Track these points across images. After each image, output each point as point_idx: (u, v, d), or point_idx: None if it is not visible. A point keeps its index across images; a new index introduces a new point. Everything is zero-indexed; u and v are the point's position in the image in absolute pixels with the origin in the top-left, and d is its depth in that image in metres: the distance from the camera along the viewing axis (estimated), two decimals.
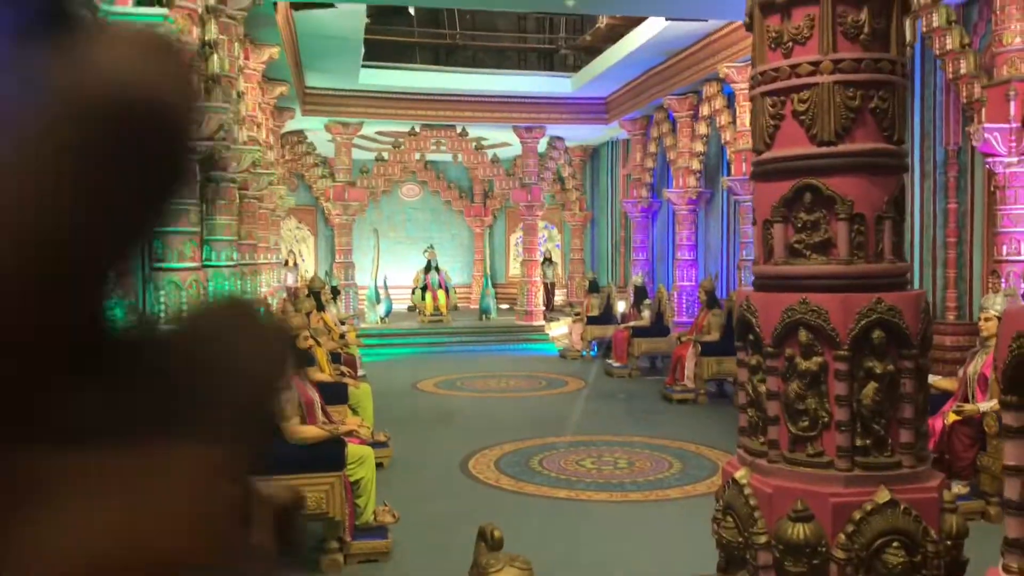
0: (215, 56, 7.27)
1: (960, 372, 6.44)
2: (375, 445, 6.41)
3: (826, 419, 2.46)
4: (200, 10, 6.92)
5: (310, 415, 5.20)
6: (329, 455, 5.01)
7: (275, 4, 9.73)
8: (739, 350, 2.53)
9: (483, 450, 8.02)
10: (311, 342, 6.80)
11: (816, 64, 2.31)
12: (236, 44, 8.74)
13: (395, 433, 7.83)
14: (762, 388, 2.52)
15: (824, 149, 2.33)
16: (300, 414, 5.07)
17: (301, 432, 4.94)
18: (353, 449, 5.14)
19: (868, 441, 2.47)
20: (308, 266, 22.46)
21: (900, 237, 2.38)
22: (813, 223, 2.35)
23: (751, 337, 2.45)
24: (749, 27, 2.49)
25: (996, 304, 6.02)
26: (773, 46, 2.38)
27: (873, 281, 2.34)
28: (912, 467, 2.54)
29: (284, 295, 15.29)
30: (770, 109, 2.40)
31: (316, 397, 5.43)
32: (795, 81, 2.35)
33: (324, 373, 7.48)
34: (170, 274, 6.10)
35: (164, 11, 4.05)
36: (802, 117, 2.33)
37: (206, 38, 7.20)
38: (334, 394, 7.14)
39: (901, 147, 2.39)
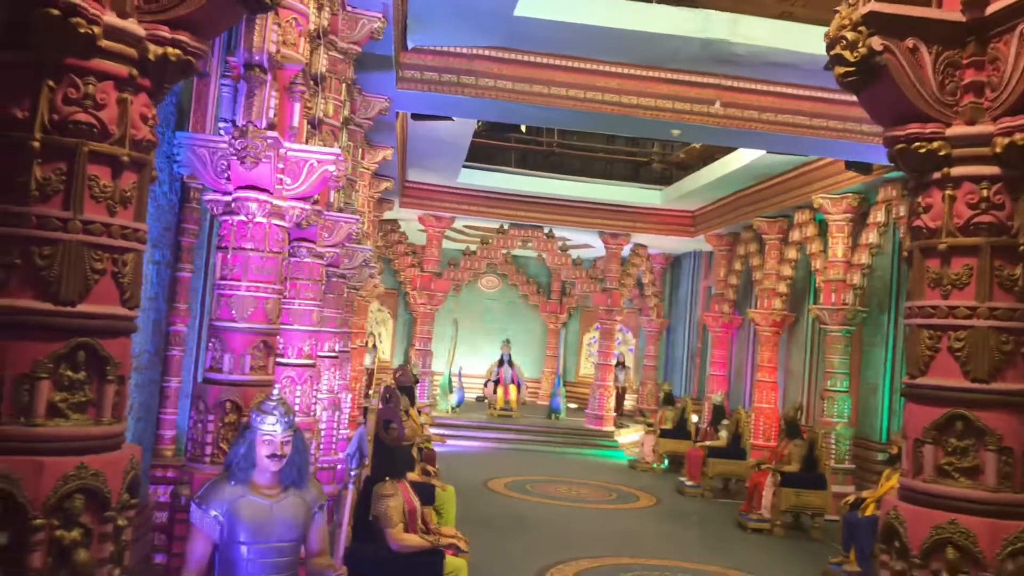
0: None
1: None
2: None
3: None
4: (340, 124, 7.52)
5: (412, 522, 5.41)
6: (428, 565, 5.20)
7: (397, 112, 10.40)
8: (882, 552, 2.69)
9: (559, 564, 8.06)
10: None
11: (973, 309, 2.55)
12: (360, 149, 9.38)
13: (470, 537, 7.94)
14: None
15: (977, 385, 2.55)
16: (404, 521, 5.29)
17: (405, 540, 5.15)
18: (450, 561, 5.31)
19: None
20: (385, 348, 23.01)
21: None
22: (963, 449, 2.54)
23: (897, 544, 2.61)
24: (908, 262, 2.74)
25: None
26: (932, 285, 2.64)
27: (1017, 510, 2.52)
28: None
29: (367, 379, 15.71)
30: (927, 341, 2.64)
31: (417, 504, 5.65)
32: (952, 321, 2.59)
33: (414, 473, 7.70)
34: (287, 369, 6.47)
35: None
36: (957, 353, 2.56)
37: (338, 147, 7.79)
38: (421, 495, 7.33)
39: None
